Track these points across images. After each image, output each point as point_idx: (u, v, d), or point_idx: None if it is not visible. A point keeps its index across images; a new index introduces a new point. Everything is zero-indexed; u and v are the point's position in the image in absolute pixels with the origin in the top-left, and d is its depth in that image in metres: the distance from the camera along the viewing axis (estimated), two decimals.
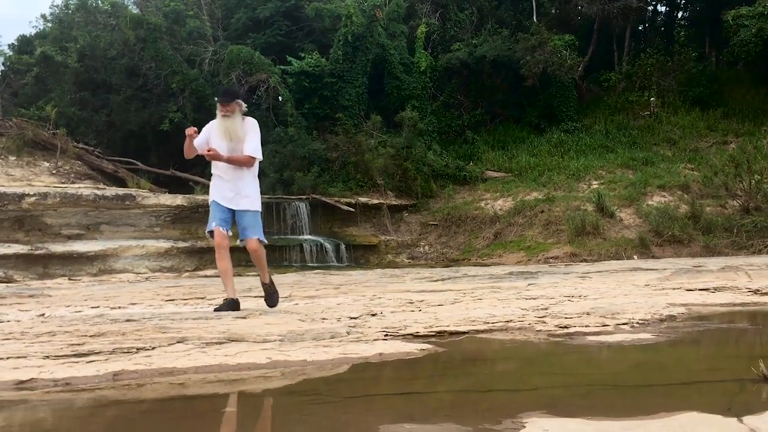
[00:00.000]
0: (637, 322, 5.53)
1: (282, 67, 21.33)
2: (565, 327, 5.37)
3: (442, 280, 10.01)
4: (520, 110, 24.15)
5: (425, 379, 4.19)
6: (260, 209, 6.13)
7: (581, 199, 17.44)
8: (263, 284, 6.28)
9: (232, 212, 6.02)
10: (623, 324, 5.45)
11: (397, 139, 20.40)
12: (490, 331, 5.37)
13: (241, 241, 6.20)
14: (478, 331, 5.34)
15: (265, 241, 6.20)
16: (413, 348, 4.71)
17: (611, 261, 13.92)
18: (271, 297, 6.27)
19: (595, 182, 18.81)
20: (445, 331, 5.29)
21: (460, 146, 22.82)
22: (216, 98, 6.12)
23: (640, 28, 28.69)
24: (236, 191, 5.97)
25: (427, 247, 17.92)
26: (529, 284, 8.76)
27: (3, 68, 30.97)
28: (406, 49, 23.68)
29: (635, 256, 14.83)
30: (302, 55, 21.72)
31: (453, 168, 20.67)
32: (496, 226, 17.43)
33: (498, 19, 25.30)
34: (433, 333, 5.24)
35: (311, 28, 23.87)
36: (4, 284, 10.84)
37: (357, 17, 21.73)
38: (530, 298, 7.15)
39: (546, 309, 6.29)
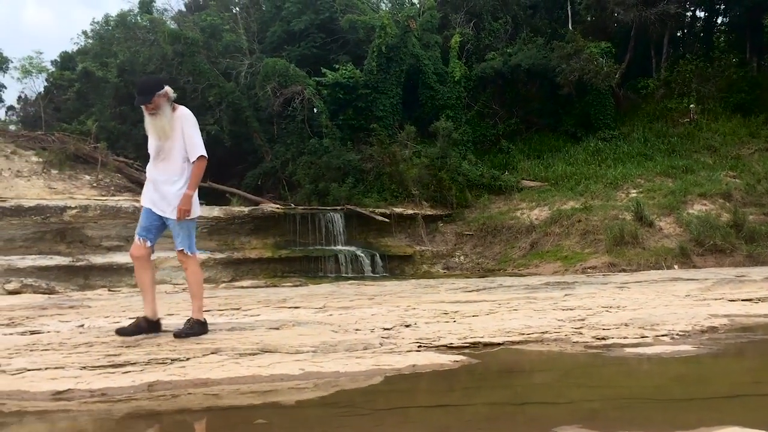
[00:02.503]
0: (678, 334, 5.40)
1: (317, 78, 21.48)
2: (603, 338, 5.26)
3: (477, 290, 9.91)
4: (556, 119, 23.93)
5: (460, 391, 4.14)
6: (189, 217, 5.12)
7: (619, 208, 17.17)
8: (189, 319, 5.30)
9: (161, 218, 5.16)
10: (663, 335, 5.33)
11: (431, 149, 20.36)
12: (526, 342, 5.29)
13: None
14: (513, 343, 5.27)
15: (192, 254, 5.17)
16: (447, 359, 4.66)
17: (650, 271, 13.66)
18: (184, 329, 5.21)
19: (634, 191, 18.51)
20: (480, 343, 5.23)
21: (495, 156, 22.69)
22: (136, 98, 5.11)
23: (678, 34, 28.25)
24: (160, 194, 5.10)
25: (462, 258, 17.81)
26: (565, 294, 8.63)
27: (46, 84, 31.77)
28: (440, 59, 23.66)
29: (675, 266, 14.53)
30: (337, 66, 21.86)
31: (488, 177, 20.54)
32: (533, 236, 17.25)
33: (533, 27, 25.16)
34: (468, 344, 5.18)
35: (345, 39, 24.02)
36: (47, 295, 11.05)
37: (391, 28, 21.79)
38: (567, 309, 7.03)
39: (583, 320, 6.18)
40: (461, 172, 20.21)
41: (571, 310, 6.95)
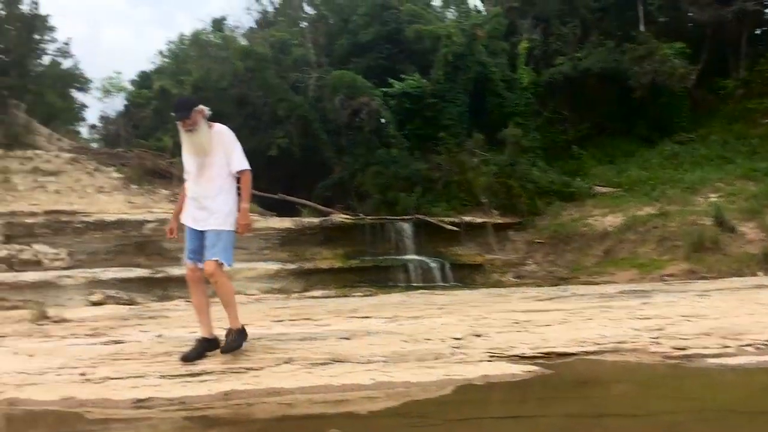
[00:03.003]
0: (762, 344, 5.16)
1: (384, 89, 21.61)
2: (683, 348, 5.08)
3: (550, 299, 9.73)
4: (629, 123, 23.31)
5: (534, 402, 4.07)
6: (228, 228, 5.03)
7: (698, 214, 16.56)
8: (228, 329, 5.13)
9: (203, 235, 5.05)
10: (747, 345, 5.10)
11: (500, 156, 20.15)
12: (601, 352, 5.16)
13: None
14: (588, 353, 5.15)
15: (227, 265, 5.02)
16: (519, 370, 4.59)
17: (732, 278, 13.12)
18: (229, 344, 5.06)
19: (713, 195, 17.82)
20: (553, 353, 5.13)
21: (566, 162, 22.27)
22: (174, 116, 5.15)
23: (757, 32, 27.12)
24: (204, 210, 5.02)
25: (533, 266, 17.52)
26: (642, 303, 8.37)
27: (125, 102, 33.04)
28: (507, 66, 23.43)
29: (759, 273, 13.91)
30: (403, 76, 21.94)
31: (559, 184, 20.17)
32: (606, 243, 16.82)
33: (603, 30, 24.63)
34: (541, 354, 5.09)
35: (412, 50, 24.09)
36: (128, 306, 11.46)
37: (457, 37, 21.73)
38: (644, 318, 6.82)
39: (661, 329, 5.98)
40: (531, 179, 19.91)
41: (648, 319, 6.74)
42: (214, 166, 5.01)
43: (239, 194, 5.16)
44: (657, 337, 5.58)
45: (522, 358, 4.99)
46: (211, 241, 4.96)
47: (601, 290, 11.12)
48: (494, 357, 5.04)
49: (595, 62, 21.97)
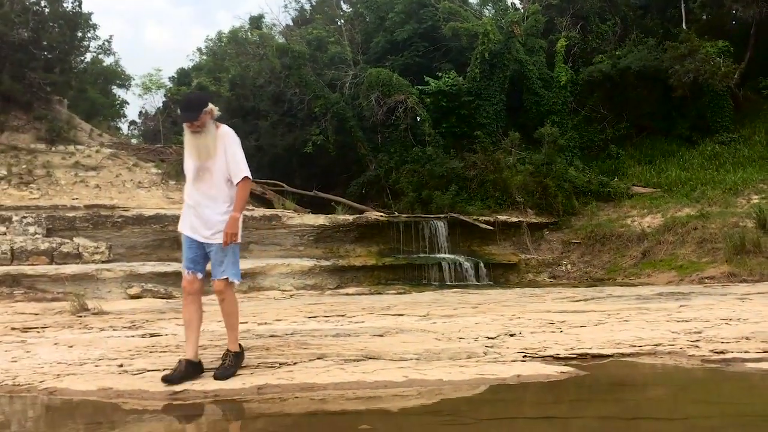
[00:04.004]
0: None
1: (419, 87, 21.57)
2: (722, 352, 4.98)
3: (585, 300, 9.62)
4: (669, 122, 22.91)
5: (568, 403, 4.03)
6: (238, 240, 4.68)
7: (740, 215, 16.20)
8: (227, 350, 4.74)
9: (203, 246, 4.68)
10: None
11: (536, 155, 19.96)
12: (637, 354, 5.09)
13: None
14: (623, 355, 5.07)
15: (236, 282, 4.73)
16: (553, 370, 4.55)
17: None
18: (226, 369, 4.57)
19: (756, 197, 17.41)
20: (588, 354, 5.07)
21: (603, 161, 21.97)
22: (179, 115, 4.85)
23: None
24: (202, 219, 4.63)
25: (569, 266, 17.33)
26: (680, 306, 8.23)
27: (164, 99, 33.59)
28: (545, 63, 23.20)
29: None
30: (439, 74, 21.87)
31: (596, 184, 19.91)
32: (644, 245, 16.56)
33: (643, 28, 24.23)
34: (575, 355, 5.04)
35: (448, 47, 24.00)
36: (165, 300, 11.64)
37: (494, 34, 21.58)
38: (682, 321, 6.71)
39: (699, 332, 5.87)
40: (568, 178, 19.70)
41: (686, 322, 6.62)
42: (216, 172, 4.62)
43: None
44: (695, 340, 5.48)
45: (556, 359, 4.94)
46: (217, 257, 4.62)
47: (638, 292, 10.96)
48: (528, 357, 5.00)
49: (635, 60, 21.61)
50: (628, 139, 22.96)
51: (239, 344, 4.80)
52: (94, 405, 4.11)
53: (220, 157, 4.61)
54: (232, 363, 4.62)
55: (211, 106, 4.60)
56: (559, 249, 18.08)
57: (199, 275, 4.68)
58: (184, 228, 4.72)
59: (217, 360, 4.81)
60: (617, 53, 22.65)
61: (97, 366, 4.96)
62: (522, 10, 24.85)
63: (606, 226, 17.97)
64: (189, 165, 4.71)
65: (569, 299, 9.80)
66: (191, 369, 4.49)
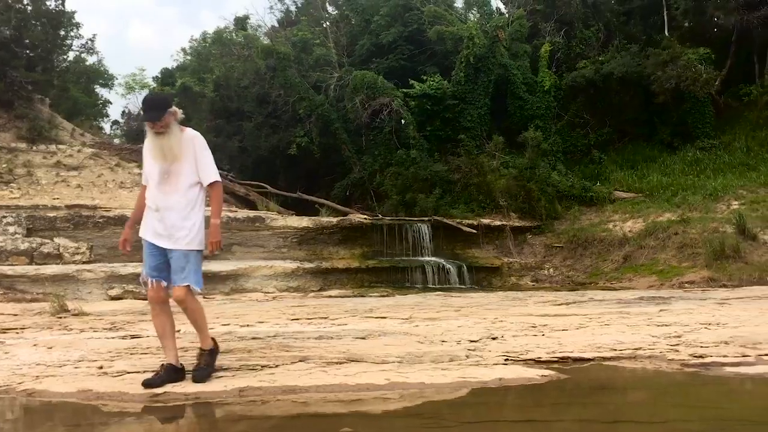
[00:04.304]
0: None
1: (404, 90, 21.60)
2: (701, 356, 5.03)
3: (567, 304, 9.68)
4: (651, 128, 23.11)
5: (549, 406, 4.05)
6: (196, 248, 4.49)
7: (720, 221, 16.38)
8: (200, 349, 4.66)
9: (165, 252, 4.49)
10: (766, 355, 5.04)
11: (520, 159, 20.04)
12: (618, 358, 5.13)
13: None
14: (604, 359, 5.11)
15: (197, 289, 4.53)
16: (535, 374, 4.57)
17: (753, 287, 12.95)
18: (202, 369, 4.52)
19: (735, 202, 17.61)
20: (569, 357, 5.10)
21: (586, 166, 22.11)
22: (142, 115, 4.70)
23: None
24: (165, 223, 4.45)
25: (551, 270, 17.42)
26: (660, 310, 8.30)
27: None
28: (529, 68, 23.32)
29: None
30: (424, 78, 21.91)
31: (579, 189, 20.03)
32: (626, 249, 16.68)
33: (626, 34, 24.44)
34: (556, 359, 5.07)
35: (433, 51, 24.06)
36: (146, 302, 11.56)
37: (479, 39, 21.66)
38: (662, 325, 6.76)
39: (679, 337, 5.93)
40: (551, 183, 19.80)
41: (666, 326, 6.68)
42: (182, 175, 4.46)
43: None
44: (675, 345, 5.53)
45: (538, 362, 4.97)
46: (179, 263, 4.42)
47: (619, 296, 11.04)
48: (510, 360, 5.03)
49: (618, 66, 21.79)
50: (611, 145, 23.15)
51: (212, 338, 4.70)
52: (73, 407, 4.08)
53: (187, 160, 4.46)
54: (208, 361, 4.55)
55: (175, 108, 4.50)
56: (541, 253, 18.16)
57: (164, 283, 4.49)
58: (146, 233, 4.51)
59: None
60: (600, 59, 22.83)
61: (76, 368, 4.92)
62: (507, 15, 25.01)
63: (588, 230, 18.09)
64: (151, 168, 4.52)
65: (551, 303, 9.85)
66: (173, 374, 4.41)
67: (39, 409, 4.10)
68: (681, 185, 19.39)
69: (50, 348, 5.78)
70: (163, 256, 4.46)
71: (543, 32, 24.08)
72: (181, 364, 4.54)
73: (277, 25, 30.12)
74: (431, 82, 21.50)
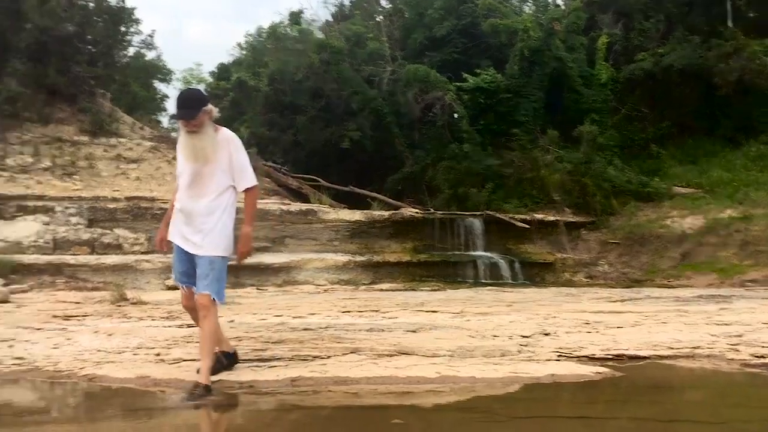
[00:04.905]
0: None
1: (457, 84, 21.46)
2: (762, 356, 4.87)
3: (622, 301, 9.49)
4: (712, 122, 22.43)
5: (603, 404, 3.99)
6: (221, 254, 4.20)
7: None
8: (195, 383, 4.04)
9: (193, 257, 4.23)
10: None
11: (575, 154, 19.72)
12: (675, 357, 5.01)
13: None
14: (661, 357, 5.00)
15: (220, 301, 4.22)
16: (588, 370, 4.50)
17: None
18: (193, 395, 3.93)
19: None
20: (624, 355, 5.01)
21: (643, 161, 21.59)
22: (176, 112, 4.46)
23: None
24: (193, 226, 4.20)
25: (606, 267, 17.10)
26: (720, 309, 8.07)
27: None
28: (585, 61, 22.88)
29: None
30: (478, 71, 21.72)
31: (636, 184, 19.58)
32: (684, 246, 16.26)
33: (688, 25, 23.74)
34: (611, 356, 4.98)
35: (487, 44, 23.82)
36: None
37: (534, 31, 21.36)
38: (722, 324, 6.57)
39: (740, 336, 5.75)
40: (606, 178, 19.42)
41: (726, 325, 6.49)
42: (214, 177, 4.20)
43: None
44: (735, 344, 5.37)
45: (591, 359, 4.89)
46: (203, 269, 4.15)
47: (677, 294, 10.79)
48: (563, 357, 4.96)
49: (679, 58, 21.21)
50: (670, 139, 22.54)
51: (209, 382, 4.05)
52: (132, 392, 4.19)
53: (221, 162, 4.20)
54: (202, 393, 3.94)
55: (210, 106, 4.25)
56: (596, 249, 17.85)
57: (195, 289, 4.22)
58: (174, 236, 4.27)
59: (252, 351, 4.86)
60: (660, 51, 22.25)
61: (135, 354, 5.06)
62: (563, 7, 24.58)
63: (645, 226, 17.69)
64: (183, 168, 4.27)
65: (606, 300, 9.68)
66: (225, 360, 4.39)
67: (100, 393, 4.23)
68: (743, 181, 18.79)
69: (110, 335, 5.95)
70: (191, 262, 4.22)
71: (600, 24, 23.58)
72: (233, 349, 4.55)
73: (331, 19, 30.25)
74: (485, 76, 21.32)
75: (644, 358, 4.97)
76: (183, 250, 4.24)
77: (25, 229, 13.02)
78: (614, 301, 9.37)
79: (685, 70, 21.37)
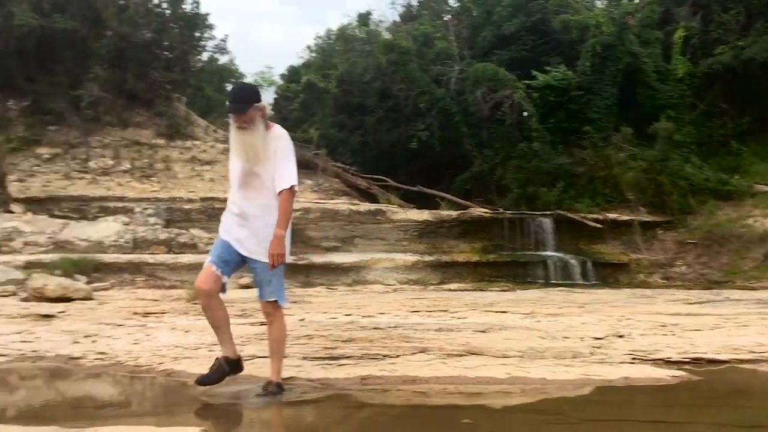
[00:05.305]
0: None
1: (527, 81, 21.17)
2: None
3: (700, 303, 9.18)
4: None
5: (680, 408, 3.88)
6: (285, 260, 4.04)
7: None
8: (268, 381, 4.09)
9: (242, 257, 4.09)
10: None
11: (649, 151, 19.16)
12: (757, 361, 4.81)
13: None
14: (741, 361, 4.82)
15: (284, 305, 4.13)
16: (664, 374, 4.38)
17: None
18: (263, 394, 4.01)
19: None
20: (703, 359, 4.85)
21: (723, 158, 20.79)
22: (228, 105, 4.20)
23: None
24: (248, 229, 4.03)
25: (683, 268, 16.56)
26: None
27: (275, 96, 34.62)
28: (660, 56, 22.17)
29: None
30: (548, 68, 21.38)
31: (715, 182, 18.88)
32: (767, 246, 15.61)
33: None
34: (688, 360, 4.83)
35: (557, 40, 23.39)
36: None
37: (607, 26, 20.85)
38: None
39: None
40: (683, 176, 18.80)
41: None
42: (266, 177, 4.01)
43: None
44: None
45: (667, 363, 4.76)
46: (264, 276, 4.02)
47: (759, 296, 10.34)
48: (637, 359, 4.84)
49: (761, 51, 20.33)
50: (751, 135, 21.64)
51: (281, 380, 4.12)
52: (207, 388, 4.31)
53: (271, 160, 4.01)
54: (274, 391, 4.01)
55: (263, 103, 4.09)
56: (672, 249, 17.31)
57: (225, 278, 4.06)
58: (228, 237, 4.08)
59: (323, 349, 4.93)
60: (741, 44, 21.38)
61: (210, 351, 5.20)
62: (637, 1, 23.92)
63: (725, 226, 17.05)
64: (235, 167, 4.12)
65: (683, 301, 9.39)
66: (228, 367, 4.08)
67: (177, 388, 4.38)
68: None
69: (187, 332, 6.14)
70: (237, 257, 4.06)
71: (676, 17, 22.84)
72: (237, 356, 4.18)
73: (398, 19, 30.33)
74: (555, 73, 20.96)
75: (724, 362, 4.80)
76: (232, 246, 4.05)
77: (107, 229, 13.56)
78: (692, 303, 9.08)
79: (766, 63, 20.49)
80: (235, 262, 4.10)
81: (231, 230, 4.07)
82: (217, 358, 4.13)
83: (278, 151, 4.02)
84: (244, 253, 4.04)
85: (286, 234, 3.97)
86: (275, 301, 4.06)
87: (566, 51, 22.96)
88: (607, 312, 7.79)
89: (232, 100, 4.10)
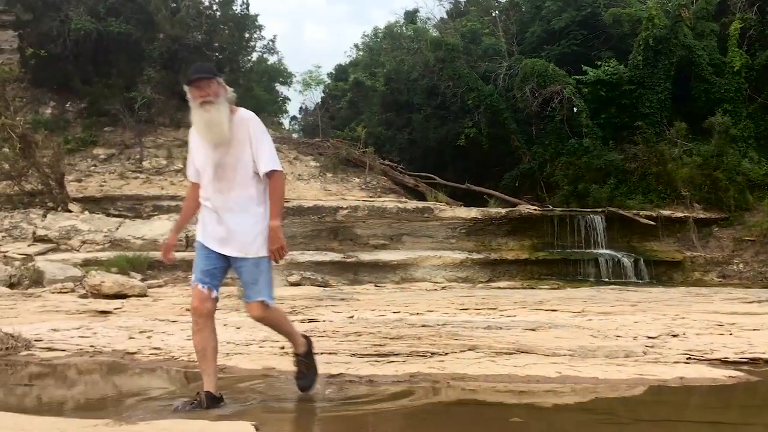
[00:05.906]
0: None
1: (577, 77, 20.86)
2: None
3: (759, 302, 8.91)
4: None
5: (737, 409, 3.78)
6: (266, 254, 3.67)
7: None
8: (295, 354, 4.01)
9: (226, 258, 3.74)
10: None
11: (705, 147, 18.70)
12: None
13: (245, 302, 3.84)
14: None
15: (271, 302, 3.73)
16: (721, 374, 4.27)
17: None
18: (305, 375, 3.97)
19: None
20: (761, 359, 4.71)
21: None
22: (186, 81, 3.77)
23: None
24: (227, 227, 3.68)
25: (741, 266, 16.11)
26: None
27: (323, 95, 34.90)
28: (716, 48, 21.59)
29: None
30: (598, 63, 21.02)
31: None
32: None
33: None
34: (746, 360, 4.70)
35: (608, 35, 22.99)
36: (322, 288, 12.13)
37: (659, 19, 20.40)
38: None
39: None
40: (740, 171, 18.30)
41: None
42: (239, 166, 3.66)
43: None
44: None
45: (724, 363, 4.64)
46: (250, 275, 3.69)
47: None
48: (692, 359, 4.73)
49: None
50: None
51: (303, 337, 4.03)
52: (259, 384, 4.38)
53: (242, 146, 3.65)
54: (308, 364, 3.96)
55: (224, 82, 3.77)
56: (729, 247, 16.85)
57: (214, 293, 3.74)
58: (207, 239, 3.75)
59: (372, 346, 4.95)
60: None
61: (261, 347, 5.28)
62: None
63: None
64: (203, 161, 3.74)
65: (740, 300, 9.13)
66: (207, 402, 3.60)
67: (230, 384, 4.45)
68: None
69: (238, 328, 6.24)
70: (219, 261, 3.73)
71: (732, 8, 22.18)
72: (219, 393, 3.72)
73: (446, 16, 30.23)
74: (606, 68, 20.60)
75: None
76: (211, 251, 3.73)
77: (160, 227, 13.87)
78: (750, 302, 8.82)
79: None
80: (221, 269, 3.77)
81: (210, 230, 3.74)
82: (198, 392, 3.68)
83: (252, 134, 3.68)
84: (227, 253, 3.69)
85: (279, 225, 3.66)
86: (263, 302, 3.70)
87: (617, 45, 22.54)
88: (661, 311, 7.63)
89: (195, 71, 3.78)
